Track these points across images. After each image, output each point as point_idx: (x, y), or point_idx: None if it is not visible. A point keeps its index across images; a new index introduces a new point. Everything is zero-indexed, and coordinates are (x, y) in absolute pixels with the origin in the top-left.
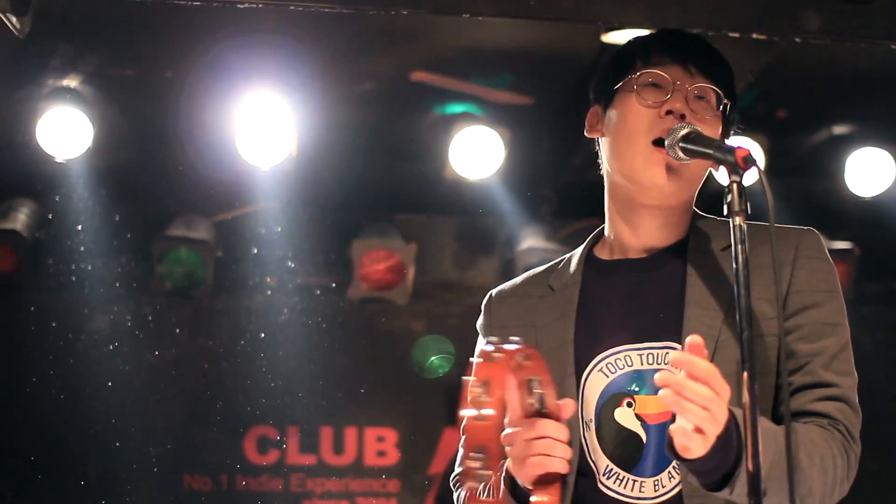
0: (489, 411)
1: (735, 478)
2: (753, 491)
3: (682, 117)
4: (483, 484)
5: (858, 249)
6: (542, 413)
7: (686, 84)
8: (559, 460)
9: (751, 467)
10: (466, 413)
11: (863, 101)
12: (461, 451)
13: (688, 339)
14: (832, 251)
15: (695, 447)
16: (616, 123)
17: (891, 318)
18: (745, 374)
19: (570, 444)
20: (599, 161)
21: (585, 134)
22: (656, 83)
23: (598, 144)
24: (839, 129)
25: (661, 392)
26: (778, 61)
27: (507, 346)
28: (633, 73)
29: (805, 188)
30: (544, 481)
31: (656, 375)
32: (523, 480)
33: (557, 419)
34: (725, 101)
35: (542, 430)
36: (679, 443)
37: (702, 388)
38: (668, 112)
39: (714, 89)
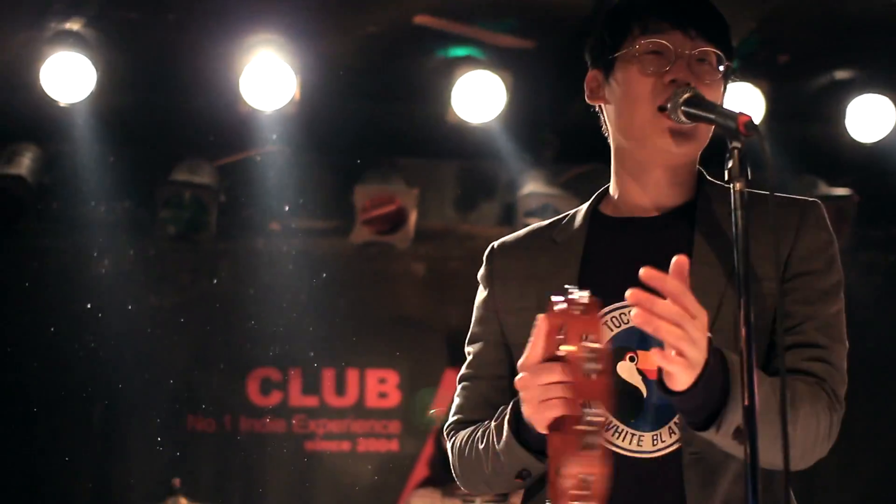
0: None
1: (722, 415)
2: (748, 430)
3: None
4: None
5: (858, 195)
6: (559, 358)
7: (687, 49)
8: (574, 402)
9: (745, 407)
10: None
11: (864, 46)
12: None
13: (674, 259)
14: (831, 196)
15: (678, 374)
16: (620, 93)
17: (889, 263)
18: (743, 330)
19: None
20: (603, 126)
21: (587, 100)
22: (657, 51)
23: (602, 110)
24: (840, 75)
25: (632, 312)
26: (780, 7)
27: (576, 297)
28: (632, 42)
29: (806, 133)
30: (558, 426)
31: (627, 291)
32: (538, 425)
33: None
34: (727, 62)
35: (557, 373)
36: (665, 368)
37: (673, 305)
38: (672, 81)
39: (715, 52)
